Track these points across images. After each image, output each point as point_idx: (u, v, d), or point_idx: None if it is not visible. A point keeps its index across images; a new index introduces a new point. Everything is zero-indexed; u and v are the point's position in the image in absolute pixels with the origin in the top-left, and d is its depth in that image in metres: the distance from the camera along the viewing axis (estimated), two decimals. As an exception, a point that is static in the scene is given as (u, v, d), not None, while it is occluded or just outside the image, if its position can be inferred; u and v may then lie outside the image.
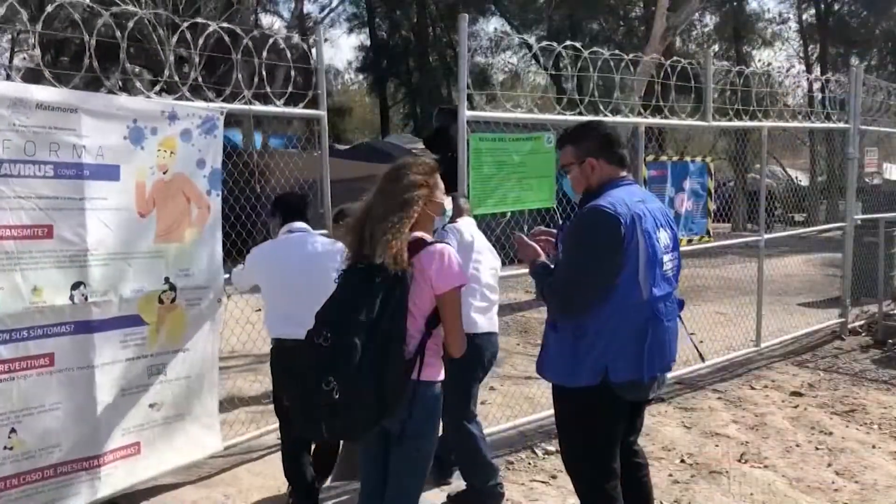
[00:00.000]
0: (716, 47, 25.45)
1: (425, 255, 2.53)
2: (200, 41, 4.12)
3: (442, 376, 2.65)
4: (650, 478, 3.06)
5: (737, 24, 23.83)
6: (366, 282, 2.49)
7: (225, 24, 4.30)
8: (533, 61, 29.11)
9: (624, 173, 2.82)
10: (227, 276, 4.04)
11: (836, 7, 24.36)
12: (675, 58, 6.03)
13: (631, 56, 5.47)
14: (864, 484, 4.10)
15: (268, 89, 4.30)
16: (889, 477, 4.19)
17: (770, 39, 26.12)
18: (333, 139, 26.72)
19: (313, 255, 3.70)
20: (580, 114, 5.22)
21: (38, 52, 3.82)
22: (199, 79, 3.97)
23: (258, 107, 4.41)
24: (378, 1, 28.21)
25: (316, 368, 2.44)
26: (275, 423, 4.28)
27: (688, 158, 6.32)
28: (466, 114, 4.45)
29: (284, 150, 17.27)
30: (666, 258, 2.74)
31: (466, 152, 4.42)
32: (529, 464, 4.40)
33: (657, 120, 6.12)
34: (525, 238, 2.93)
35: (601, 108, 5.28)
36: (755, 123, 6.63)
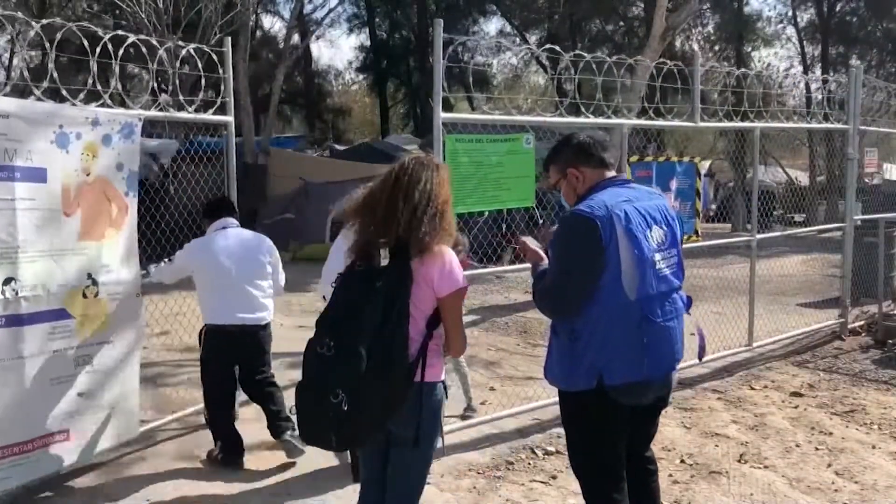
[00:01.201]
0: (716, 47, 25.48)
1: (427, 257, 2.53)
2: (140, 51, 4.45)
3: (444, 376, 2.65)
4: (658, 483, 3.05)
5: (737, 25, 23.83)
6: (366, 285, 2.48)
7: (143, 37, 4.62)
8: (534, 62, 29.16)
9: (611, 173, 2.85)
10: (143, 272, 4.36)
11: (837, 7, 24.36)
12: (661, 59, 6.04)
13: (614, 58, 5.50)
14: (864, 484, 4.10)
15: (180, 97, 4.61)
16: (889, 477, 4.19)
17: (770, 39, 26.13)
18: (333, 139, 26.77)
19: (249, 246, 4.29)
20: (561, 115, 5.26)
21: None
22: (120, 87, 4.28)
23: (173, 113, 4.65)
24: (378, 1, 28.21)
25: (322, 380, 2.42)
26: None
27: (674, 158, 6.32)
28: (442, 115, 4.52)
29: (281, 150, 17.40)
30: (657, 256, 2.71)
31: (442, 153, 4.48)
32: (529, 464, 4.40)
33: (642, 121, 6.14)
34: (528, 242, 2.95)
35: (582, 109, 5.31)
36: (746, 125, 6.61)
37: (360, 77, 33.94)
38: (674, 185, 6.04)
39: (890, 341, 7.02)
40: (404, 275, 2.47)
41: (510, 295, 10.22)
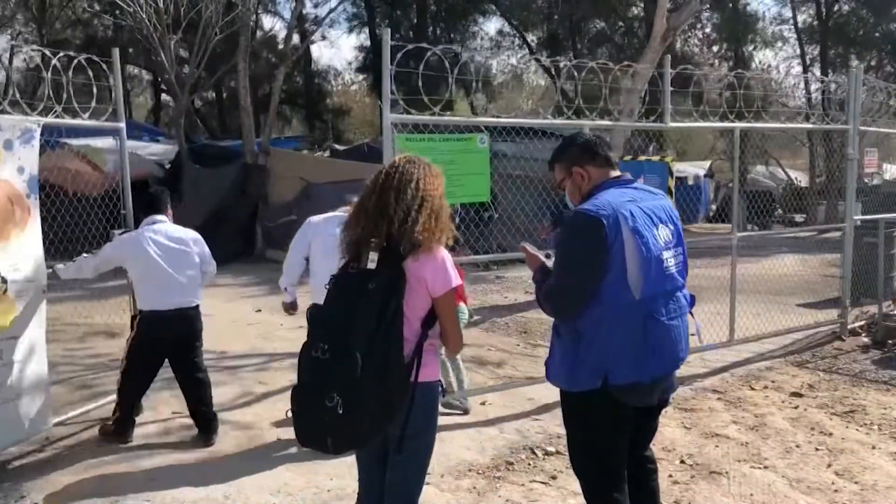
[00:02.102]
0: (715, 48, 25.51)
1: (421, 257, 2.53)
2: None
3: (439, 375, 2.66)
4: (658, 483, 3.05)
5: (736, 25, 23.82)
6: (360, 289, 2.47)
7: (36, 47, 4.90)
8: (532, 62, 29.10)
9: (615, 173, 2.85)
10: (49, 269, 4.62)
11: (836, 7, 24.36)
12: (625, 62, 6.17)
13: (574, 62, 5.61)
14: (864, 485, 4.10)
15: (74, 104, 4.89)
16: (889, 478, 4.19)
17: (770, 39, 26.13)
18: (333, 139, 26.76)
19: (176, 238, 4.68)
20: (515, 116, 5.44)
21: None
22: (17, 95, 4.55)
23: (68, 120, 4.90)
24: (378, 1, 28.19)
25: (317, 384, 2.41)
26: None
27: (642, 158, 6.40)
28: (390, 117, 4.99)
29: (282, 150, 17.41)
30: (666, 255, 2.71)
31: (392, 151, 4.96)
32: (529, 464, 4.41)
33: (604, 122, 6.45)
34: (528, 247, 2.95)
35: (541, 111, 5.48)
36: (724, 125, 6.68)
37: (360, 77, 33.92)
38: (640, 183, 6.13)
39: (890, 341, 7.02)
40: (397, 276, 2.47)
41: (510, 295, 10.22)
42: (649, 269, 2.63)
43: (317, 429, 2.44)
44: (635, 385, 2.65)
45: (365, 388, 2.37)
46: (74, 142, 17.55)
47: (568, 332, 2.71)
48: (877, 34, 23.73)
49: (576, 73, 5.49)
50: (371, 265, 2.49)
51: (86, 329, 8.13)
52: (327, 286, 2.60)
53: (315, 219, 4.85)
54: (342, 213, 4.67)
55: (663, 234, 2.72)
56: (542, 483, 4.14)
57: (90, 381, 6.17)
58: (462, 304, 5.23)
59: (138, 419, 5.06)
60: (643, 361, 2.64)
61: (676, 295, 2.76)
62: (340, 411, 2.35)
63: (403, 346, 2.46)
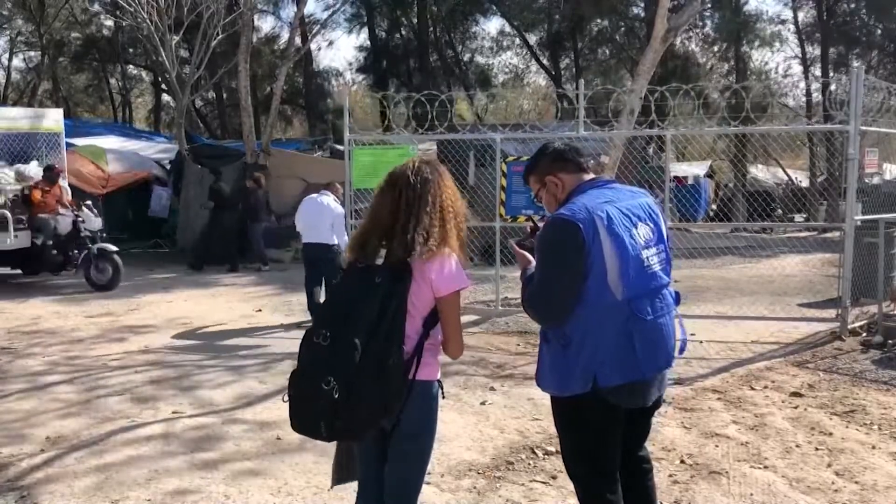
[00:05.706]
0: (715, 47, 25.50)
1: (429, 258, 2.54)
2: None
3: (438, 375, 2.66)
4: (654, 483, 3.05)
5: (736, 25, 23.79)
6: (365, 282, 2.51)
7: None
8: (534, 63, 29.12)
9: (589, 176, 2.86)
10: None
11: (837, 7, 24.33)
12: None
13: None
14: (864, 484, 4.10)
15: None
16: (889, 477, 4.19)
17: (770, 39, 26.11)
18: (334, 140, 26.80)
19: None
20: (441, 133, 7.65)
21: None
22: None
23: None
24: (378, 1, 28.21)
25: (315, 368, 2.44)
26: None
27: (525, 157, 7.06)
28: (348, 135, 8.62)
29: (282, 150, 17.43)
30: (647, 253, 2.70)
31: (349, 157, 8.57)
32: (529, 464, 4.41)
33: (515, 133, 7.68)
34: (516, 247, 2.95)
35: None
36: (648, 131, 6.98)
37: (361, 78, 33.98)
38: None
39: (890, 341, 7.02)
40: (403, 272, 2.50)
41: (510, 295, 10.21)
42: (628, 269, 2.62)
43: (312, 413, 2.46)
44: (626, 386, 2.65)
45: (362, 377, 2.39)
46: (79, 141, 17.56)
47: (556, 337, 2.70)
48: (878, 31, 23.71)
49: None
50: (379, 261, 2.54)
51: None
52: (335, 281, 2.63)
53: (307, 198, 8.11)
54: (318, 195, 7.90)
55: (643, 232, 2.72)
56: (542, 483, 4.15)
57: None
58: None
59: (140, 419, 5.06)
60: (632, 361, 2.63)
61: (662, 293, 2.76)
62: (336, 396, 2.37)
63: (404, 341, 2.48)
